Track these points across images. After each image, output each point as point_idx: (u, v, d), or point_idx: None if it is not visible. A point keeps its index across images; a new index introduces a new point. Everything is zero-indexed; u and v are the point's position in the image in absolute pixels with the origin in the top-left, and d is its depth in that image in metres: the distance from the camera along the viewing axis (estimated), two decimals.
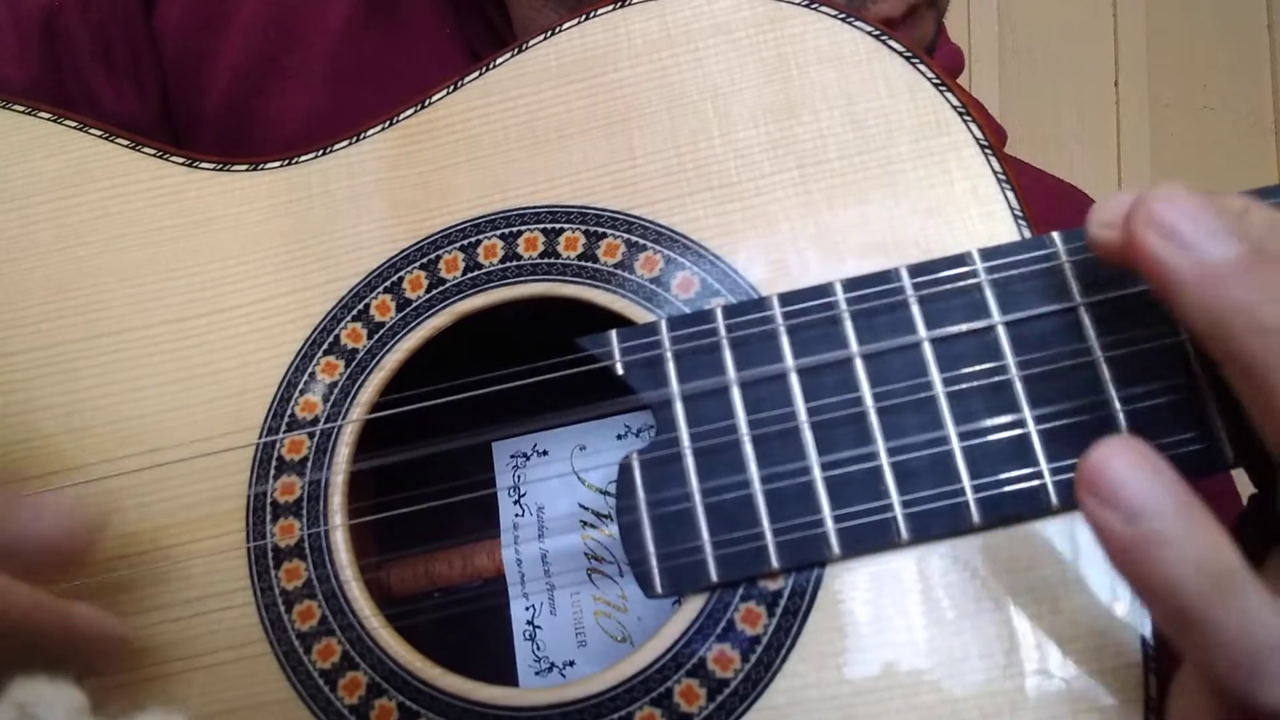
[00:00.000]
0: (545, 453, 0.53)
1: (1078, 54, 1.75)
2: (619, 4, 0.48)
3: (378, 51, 0.65)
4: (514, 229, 0.47)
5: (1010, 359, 0.40)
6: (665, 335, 0.43)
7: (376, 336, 0.47)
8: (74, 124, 0.53)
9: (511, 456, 0.53)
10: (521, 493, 0.53)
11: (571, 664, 0.51)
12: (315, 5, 0.65)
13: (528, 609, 0.51)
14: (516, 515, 0.52)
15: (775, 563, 0.40)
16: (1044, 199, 0.68)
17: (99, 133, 0.53)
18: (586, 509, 0.52)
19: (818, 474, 0.40)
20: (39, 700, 0.34)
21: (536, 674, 0.51)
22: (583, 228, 0.46)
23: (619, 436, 0.52)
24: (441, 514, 0.48)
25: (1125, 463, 0.31)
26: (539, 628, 0.51)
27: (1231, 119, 1.72)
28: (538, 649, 0.51)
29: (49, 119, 0.53)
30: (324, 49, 0.65)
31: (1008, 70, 1.75)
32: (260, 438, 0.47)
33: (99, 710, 0.35)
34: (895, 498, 0.40)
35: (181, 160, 0.52)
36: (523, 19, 0.63)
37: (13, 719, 0.34)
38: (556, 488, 0.52)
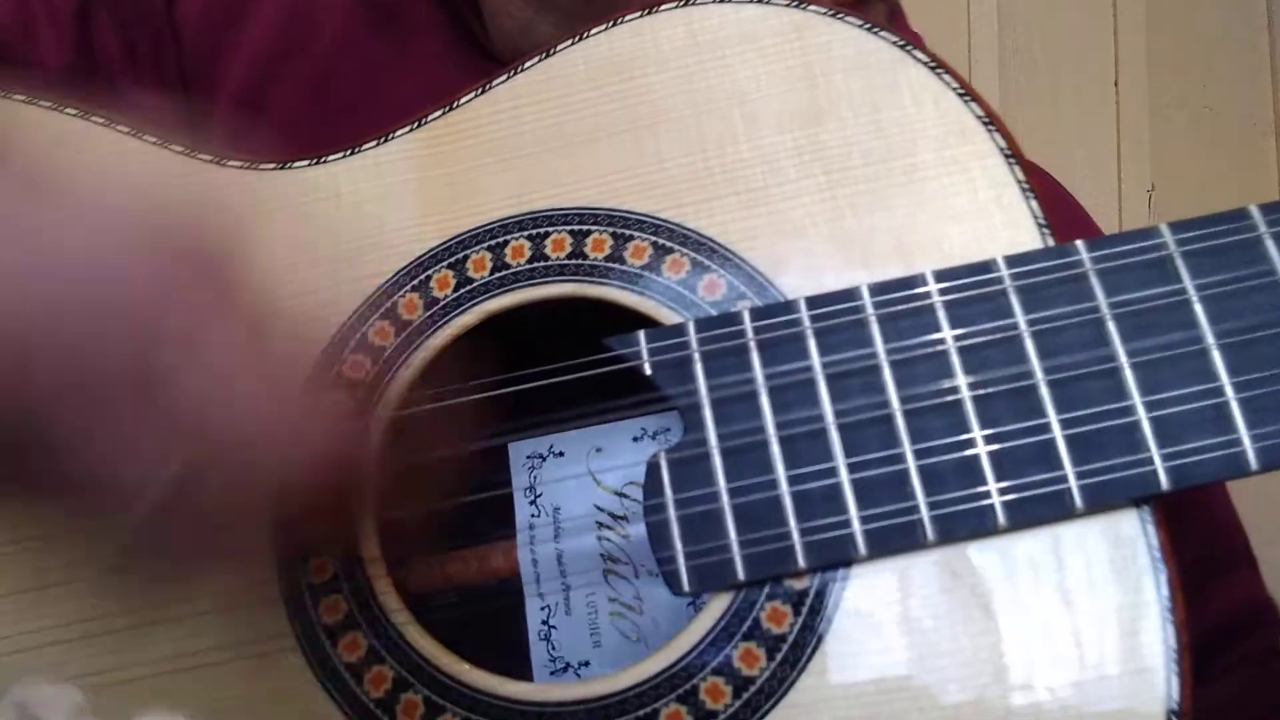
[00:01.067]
0: (561, 454, 0.53)
1: (1078, 54, 1.75)
2: (647, 11, 0.49)
3: (381, 53, 0.65)
4: (542, 230, 0.47)
5: (1035, 364, 0.40)
6: (693, 337, 0.43)
7: (404, 334, 0.48)
8: (100, 120, 0.54)
9: (528, 457, 0.54)
10: (538, 493, 0.53)
11: (586, 664, 0.51)
12: (325, 3, 0.66)
13: (543, 609, 0.51)
14: (532, 516, 0.52)
15: (802, 562, 0.41)
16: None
17: (125, 129, 0.53)
18: (602, 510, 0.52)
19: (844, 475, 0.41)
20: (39, 700, 0.35)
21: (551, 673, 0.51)
22: (610, 230, 0.47)
23: (635, 439, 0.53)
24: (458, 514, 0.49)
25: None
26: (554, 628, 0.51)
27: (1231, 119, 1.72)
28: (553, 649, 0.51)
29: (75, 115, 0.54)
30: (334, 48, 0.65)
31: (1008, 70, 1.76)
32: None
33: (99, 710, 0.36)
34: (921, 499, 0.40)
35: (208, 158, 0.52)
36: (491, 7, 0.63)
37: (13, 719, 0.34)
38: (572, 489, 0.53)
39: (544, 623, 0.51)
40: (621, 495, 0.52)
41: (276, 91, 0.65)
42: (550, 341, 0.47)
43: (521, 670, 0.51)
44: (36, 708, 0.35)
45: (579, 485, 0.53)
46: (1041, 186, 0.43)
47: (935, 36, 0.57)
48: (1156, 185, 1.68)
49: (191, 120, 0.66)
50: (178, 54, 0.66)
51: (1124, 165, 1.71)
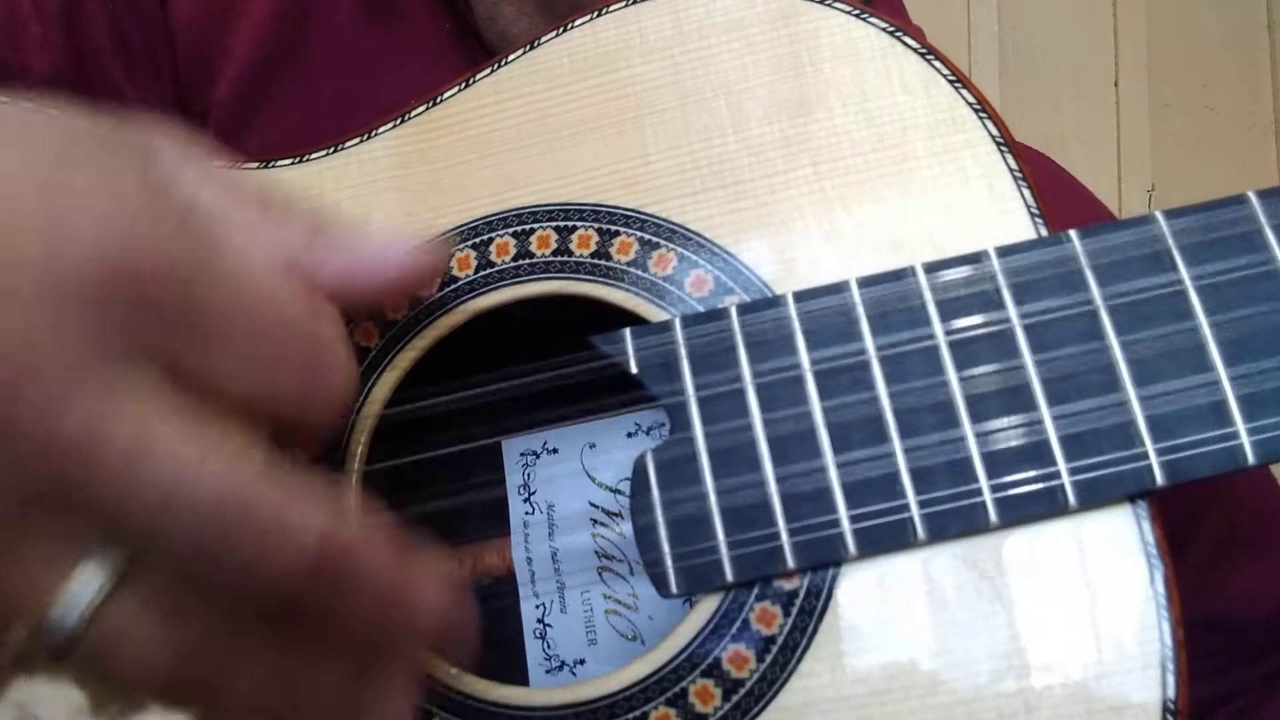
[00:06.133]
0: (555, 451, 0.53)
1: (1078, 54, 1.75)
2: (630, 0, 0.48)
3: (377, 46, 0.65)
4: (526, 227, 0.47)
5: (1028, 358, 0.40)
6: (679, 334, 0.43)
7: (390, 334, 0.47)
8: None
9: (521, 455, 0.53)
10: (531, 491, 0.52)
11: (582, 662, 0.50)
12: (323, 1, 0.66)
13: (538, 607, 0.51)
14: (526, 514, 0.52)
15: (791, 563, 0.40)
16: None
17: None
18: (597, 507, 0.52)
19: (833, 473, 0.40)
20: (39, 700, 0.34)
21: (547, 672, 0.50)
22: (595, 225, 0.46)
23: (629, 434, 0.52)
24: (451, 512, 0.48)
25: None
26: (549, 626, 0.51)
27: (1231, 119, 1.72)
28: (548, 647, 0.51)
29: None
30: (329, 43, 0.65)
31: (1008, 70, 1.75)
32: None
33: (99, 710, 0.35)
34: (912, 498, 0.39)
35: None
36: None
37: (13, 719, 0.34)
38: (566, 486, 0.52)
39: (539, 621, 0.51)
40: (616, 491, 0.51)
41: (272, 88, 0.64)
42: (536, 339, 0.46)
43: (517, 669, 0.50)
44: (36, 707, 0.34)
45: (573, 482, 0.52)
46: (1039, 170, 0.43)
47: (936, 37, 0.56)
48: (1156, 185, 1.68)
49: (185, 119, 0.66)
50: (172, 55, 0.65)
51: (1124, 165, 1.71)
